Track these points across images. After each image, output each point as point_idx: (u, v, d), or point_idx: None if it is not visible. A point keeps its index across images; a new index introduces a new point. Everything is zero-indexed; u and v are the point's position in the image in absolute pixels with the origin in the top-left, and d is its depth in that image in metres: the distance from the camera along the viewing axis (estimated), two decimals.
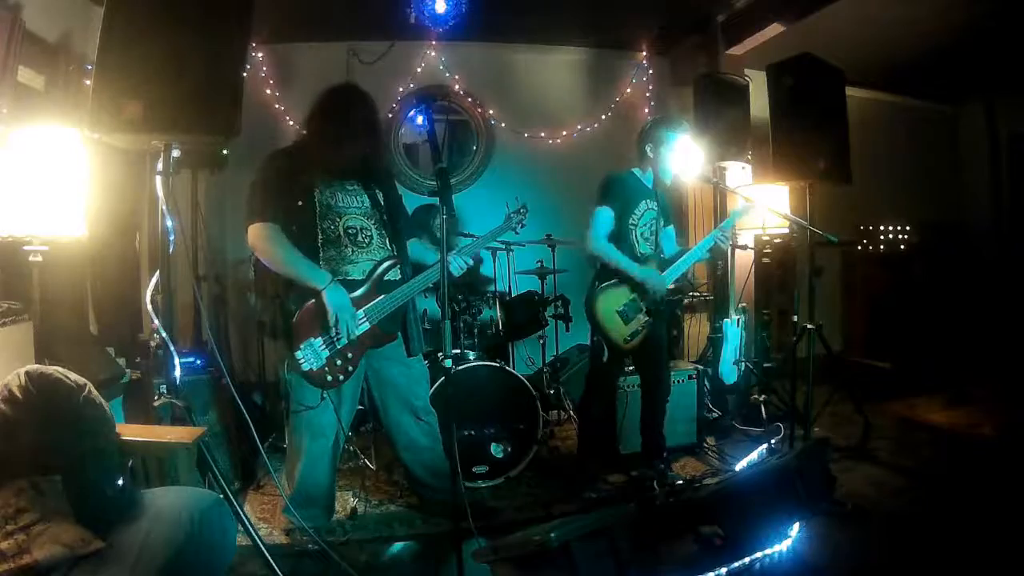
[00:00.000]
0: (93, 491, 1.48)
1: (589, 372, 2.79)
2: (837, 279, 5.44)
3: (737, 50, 4.27)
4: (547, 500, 2.69)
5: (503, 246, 3.65)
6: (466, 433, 2.82)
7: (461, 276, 2.29)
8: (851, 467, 2.96)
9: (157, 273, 2.08)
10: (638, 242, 2.70)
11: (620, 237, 2.65)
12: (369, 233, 2.25)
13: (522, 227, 2.49)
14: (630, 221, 2.67)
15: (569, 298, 3.83)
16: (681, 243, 3.08)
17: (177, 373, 2.08)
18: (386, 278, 2.22)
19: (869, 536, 2.31)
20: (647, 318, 2.66)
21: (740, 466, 3.03)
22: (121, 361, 2.88)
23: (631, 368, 2.98)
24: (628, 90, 4.85)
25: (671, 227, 2.92)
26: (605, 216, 2.62)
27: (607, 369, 2.72)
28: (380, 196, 2.32)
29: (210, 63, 1.91)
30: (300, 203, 2.13)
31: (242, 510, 1.86)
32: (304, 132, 2.25)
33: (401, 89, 4.53)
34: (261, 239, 2.09)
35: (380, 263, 2.22)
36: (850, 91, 3.36)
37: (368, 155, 2.24)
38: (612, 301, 2.62)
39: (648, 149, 2.69)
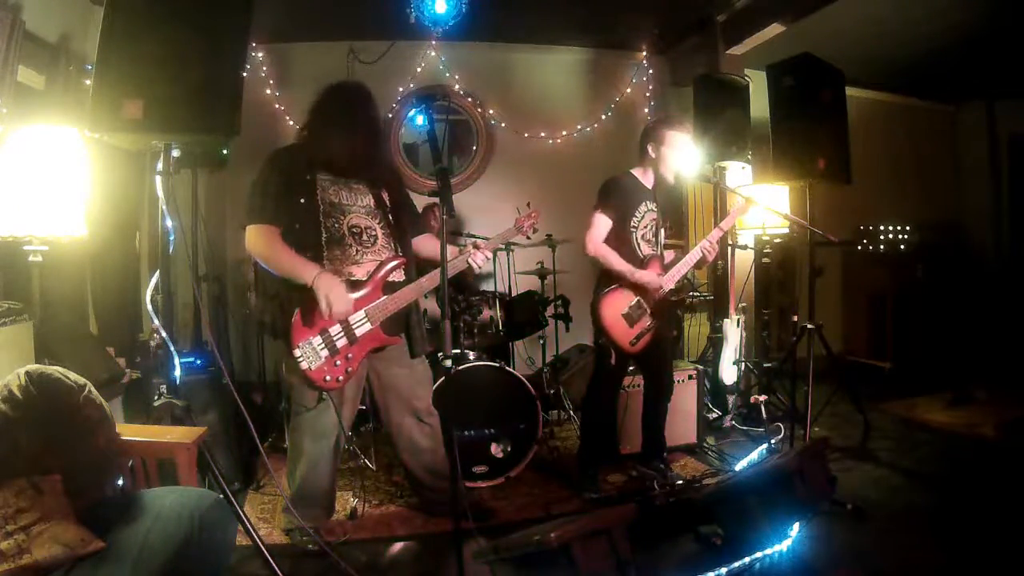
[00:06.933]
0: (93, 491, 1.48)
1: (595, 373, 2.78)
2: (837, 279, 5.45)
3: (737, 50, 4.27)
4: (547, 500, 2.70)
5: (503, 246, 3.65)
6: (466, 433, 2.82)
7: (456, 276, 2.29)
8: (851, 467, 2.96)
9: (157, 273, 2.09)
10: (639, 244, 2.70)
11: (621, 240, 2.65)
12: (373, 232, 2.23)
13: (534, 231, 2.50)
14: (631, 224, 2.67)
15: (569, 298, 3.83)
16: (676, 239, 3.08)
17: (177, 373, 2.08)
18: (390, 279, 2.21)
19: (869, 536, 2.31)
20: (652, 319, 2.66)
21: (740, 466, 3.03)
22: (121, 361, 2.87)
23: (632, 368, 2.97)
24: (628, 90, 4.86)
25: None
26: (602, 221, 2.63)
27: (613, 371, 2.72)
28: (385, 195, 2.30)
29: (210, 63, 1.91)
30: (303, 201, 2.11)
31: (242, 510, 1.86)
32: (307, 130, 2.21)
33: (401, 89, 4.54)
34: (257, 241, 2.07)
35: (384, 263, 2.20)
36: (850, 91, 3.36)
37: (374, 153, 2.22)
38: (617, 304, 2.62)
39: (650, 148, 2.69)
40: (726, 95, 3.83)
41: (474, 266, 2.30)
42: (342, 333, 2.10)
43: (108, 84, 1.84)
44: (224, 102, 1.95)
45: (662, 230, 2.85)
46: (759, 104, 3.47)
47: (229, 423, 2.72)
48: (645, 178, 2.75)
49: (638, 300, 2.64)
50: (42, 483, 1.36)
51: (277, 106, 4.33)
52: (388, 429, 2.43)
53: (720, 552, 2.10)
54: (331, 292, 2.01)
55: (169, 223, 2.05)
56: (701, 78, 3.88)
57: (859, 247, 5.19)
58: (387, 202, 2.31)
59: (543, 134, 4.76)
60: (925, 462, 3.06)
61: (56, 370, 1.55)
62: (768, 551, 2.05)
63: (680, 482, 2.75)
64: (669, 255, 2.85)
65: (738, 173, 4.06)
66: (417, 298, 2.29)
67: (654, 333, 2.69)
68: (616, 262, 2.60)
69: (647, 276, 2.62)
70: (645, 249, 2.72)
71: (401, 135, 4.59)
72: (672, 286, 2.68)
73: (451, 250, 2.32)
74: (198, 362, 2.76)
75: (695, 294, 4.23)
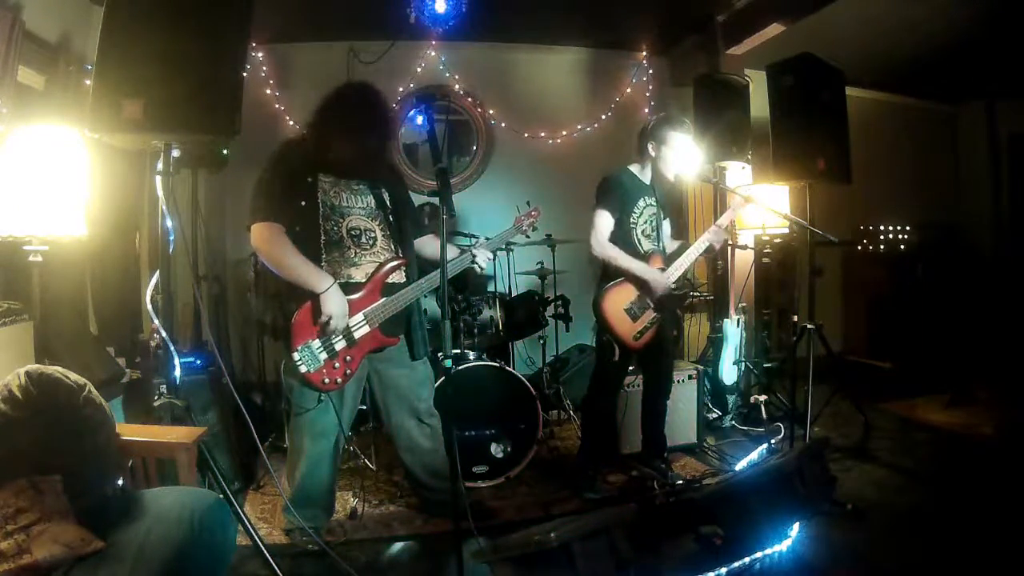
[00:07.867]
0: (93, 491, 1.48)
1: (596, 371, 2.78)
2: (837, 279, 5.45)
3: (737, 50, 4.27)
4: (547, 500, 2.70)
5: (503, 246, 3.65)
6: (466, 433, 2.81)
7: (458, 276, 2.30)
8: (851, 467, 2.96)
9: (157, 273, 2.09)
10: (640, 240, 2.70)
11: (621, 237, 2.65)
12: (373, 234, 2.23)
13: (533, 230, 2.51)
14: (630, 220, 2.67)
15: (569, 298, 3.83)
16: (679, 237, 3.08)
17: (177, 373, 2.08)
18: (389, 281, 2.21)
19: (869, 536, 2.31)
20: (654, 314, 2.66)
21: (740, 466, 3.03)
22: (121, 361, 2.88)
23: (632, 368, 2.97)
24: (628, 90, 4.85)
25: (666, 221, 2.91)
26: (605, 219, 2.63)
27: (615, 368, 2.72)
28: (386, 196, 2.30)
29: (210, 63, 1.91)
30: (304, 203, 2.11)
31: (242, 510, 1.86)
32: (310, 130, 2.20)
33: (401, 89, 4.54)
34: (263, 240, 2.07)
35: (383, 265, 2.20)
36: (850, 91, 3.35)
37: (377, 154, 2.22)
38: (619, 300, 2.61)
39: (650, 147, 2.69)
40: (726, 95, 3.83)
41: (477, 268, 2.32)
42: (340, 336, 2.11)
43: (108, 84, 1.83)
44: (224, 102, 1.95)
45: (664, 222, 2.84)
46: (759, 104, 3.47)
47: (229, 423, 2.73)
48: (643, 174, 2.75)
49: (640, 295, 2.64)
50: (42, 483, 1.36)
51: (277, 106, 4.33)
52: (388, 429, 2.43)
53: (720, 552, 2.10)
54: (334, 314, 2.03)
55: (169, 223, 2.04)
56: (701, 78, 3.88)
57: (859, 247, 5.19)
58: (388, 203, 2.30)
59: (543, 134, 4.76)
60: (925, 462, 3.06)
61: (56, 370, 1.55)
62: (768, 551, 2.05)
63: (680, 482, 2.75)
64: (673, 246, 2.84)
65: (738, 173, 4.06)
66: (418, 299, 2.30)
67: (656, 329, 2.69)
68: (625, 260, 2.60)
69: (654, 274, 2.62)
70: (646, 245, 2.71)
71: (401, 135, 4.59)
72: (676, 278, 2.68)
73: (451, 250, 2.32)
74: (198, 362, 2.77)
75: (695, 294, 4.23)
